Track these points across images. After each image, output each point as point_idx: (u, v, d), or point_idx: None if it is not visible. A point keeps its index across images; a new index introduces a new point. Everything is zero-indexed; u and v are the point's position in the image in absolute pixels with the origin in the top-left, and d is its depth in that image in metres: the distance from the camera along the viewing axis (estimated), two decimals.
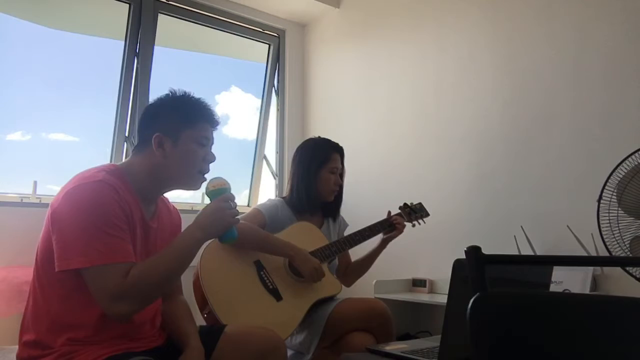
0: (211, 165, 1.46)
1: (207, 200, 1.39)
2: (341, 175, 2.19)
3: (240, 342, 1.49)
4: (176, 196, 2.90)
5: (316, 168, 2.12)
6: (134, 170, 1.38)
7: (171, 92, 1.44)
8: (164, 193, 1.48)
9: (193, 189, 1.44)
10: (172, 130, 1.37)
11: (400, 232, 2.16)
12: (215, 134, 1.47)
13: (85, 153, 2.78)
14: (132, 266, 1.24)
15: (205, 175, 1.44)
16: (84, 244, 1.21)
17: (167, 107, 1.42)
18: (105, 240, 1.21)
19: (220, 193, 1.37)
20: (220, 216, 1.33)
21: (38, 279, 1.31)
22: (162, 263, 1.27)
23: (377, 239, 2.18)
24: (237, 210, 1.37)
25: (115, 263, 1.21)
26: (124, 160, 1.46)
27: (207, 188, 1.39)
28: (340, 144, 2.21)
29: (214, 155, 1.45)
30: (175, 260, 1.29)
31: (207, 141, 1.43)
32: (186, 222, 1.37)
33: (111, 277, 1.20)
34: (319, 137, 2.24)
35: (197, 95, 1.46)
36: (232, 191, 1.40)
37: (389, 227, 2.15)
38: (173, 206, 1.58)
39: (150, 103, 1.45)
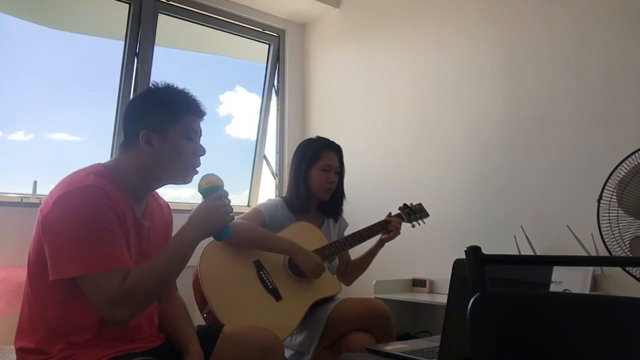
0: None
1: (200, 197, 1.37)
2: (340, 174, 2.18)
3: (238, 342, 1.49)
4: (176, 197, 2.90)
5: (307, 166, 2.11)
6: (122, 168, 1.34)
7: (153, 86, 1.41)
8: (154, 189, 1.45)
9: (183, 183, 1.42)
10: (158, 126, 1.34)
11: (397, 234, 2.16)
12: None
13: (88, 153, 2.78)
14: (129, 271, 1.22)
15: (197, 169, 1.42)
16: (78, 251, 1.18)
17: (151, 101, 1.39)
18: (100, 247, 1.19)
19: (213, 190, 1.35)
20: (215, 214, 1.31)
21: (32, 286, 1.29)
22: (160, 267, 1.26)
23: (376, 237, 2.18)
24: (232, 207, 1.35)
25: (112, 270, 1.20)
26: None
27: (199, 185, 1.37)
28: (341, 144, 2.20)
29: (203, 148, 1.43)
30: (173, 263, 1.28)
31: (196, 135, 1.40)
32: (183, 222, 1.36)
33: (108, 284, 1.19)
34: (317, 136, 2.24)
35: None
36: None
37: (387, 228, 2.15)
38: (164, 201, 1.56)
39: (132, 98, 1.41)
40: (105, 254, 1.20)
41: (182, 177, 1.40)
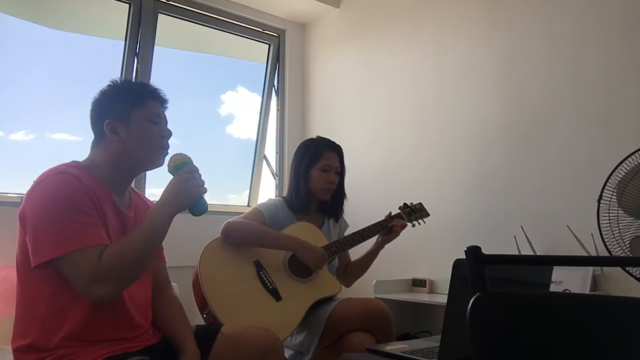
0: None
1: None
2: (341, 174, 2.18)
3: (237, 342, 1.49)
4: None
5: (307, 166, 2.11)
6: (96, 163, 1.38)
7: (112, 82, 1.44)
8: (132, 179, 1.47)
9: (157, 166, 1.44)
10: (121, 113, 1.37)
11: (397, 235, 2.15)
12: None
13: (88, 153, 2.79)
14: (105, 248, 1.24)
15: (167, 151, 1.44)
16: (53, 234, 1.21)
17: (111, 94, 1.42)
18: (74, 227, 1.22)
19: (182, 167, 1.36)
20: (185, 187, 1.32)
21: (21, 284, 1.31)
22: (136, 241, 1.27)
23: (375, 238, 2.18)
24: (203, 181, 1.37)
25: (87, 247, 1.21)
26: None
27: (168, 166, 1.39)
28: (341, 144, 2.20)
29: (169, 131, 1.45)
30: (148, 237, 1.29)
31: (159, 118, 1.42)
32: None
33: (85, 261, 1.21)
34: (317, 136, 2.24)
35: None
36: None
37: (388, 229, 2.15)
38: (151, 201, 1.57)
39: (94, 98, 1.44)
40: (79, 232, 1.22)
41: (152, 159, 1.42)
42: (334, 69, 3.41)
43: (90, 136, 1.44)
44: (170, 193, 1.33)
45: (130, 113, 1.37)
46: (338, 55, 3.40)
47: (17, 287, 1.32)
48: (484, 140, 2.57)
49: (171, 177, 1.38)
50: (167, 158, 1.43)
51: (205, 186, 1.37)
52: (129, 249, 1.25)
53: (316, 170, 2.11)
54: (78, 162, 1.38)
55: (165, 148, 1.43)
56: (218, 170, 3.27)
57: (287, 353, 1.96)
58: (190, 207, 1.35)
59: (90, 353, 1.25)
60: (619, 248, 1.78)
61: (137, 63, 2.90)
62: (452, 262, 1.07)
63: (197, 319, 1.92)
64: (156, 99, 1.44)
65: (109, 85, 1.44)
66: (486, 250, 0.73)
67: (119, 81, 1.45)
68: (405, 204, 2.25)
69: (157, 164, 1.43)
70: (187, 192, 1.33)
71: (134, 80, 1.47)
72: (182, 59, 3.37)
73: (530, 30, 2.43)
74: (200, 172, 1.38)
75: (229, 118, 3.49)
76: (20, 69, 2.69)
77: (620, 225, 1.78)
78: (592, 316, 0.74)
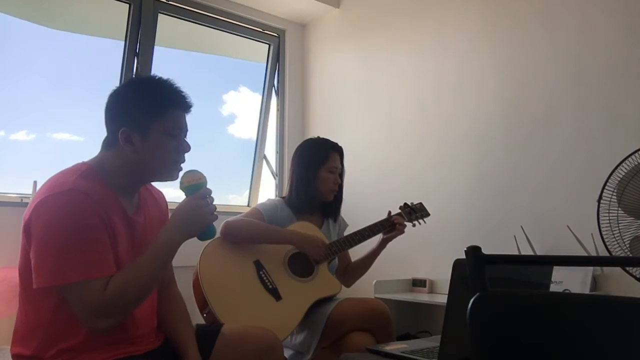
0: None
1: (182, 195, 1.32)
2: (341, 176, 2.19)
3: (237, 342, 1.49)
4: (176, 197, 2.91)
5: (315, 167, 2.12)
6: (106, 167, 1.29)
7: (135, 79, 1.33)
8: (142, 186, 1.40)
9: (169, 180, 1.37)
10: (139, 123, 1.27)
11: (401, 232, 2.15)
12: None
13: (89, 153, 2.78)
14: (110, 279, 1.19)
15: (182, 165, 1.36)
16: (58, 260, 1.15)
17: (132, 96, 1.31)
18: (81, 256, 1.16)
19: (197, 189, 1.29)
20: (198, 214, 1.26)
21: (24, 292, 1.26)
22: (142, 272, 1.22)
23: (376, 239, 2.18)
24: (215, 206, 1.30)
25: (92, 279, 1.16)
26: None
27: (181, 183, 1.32)
28: (340, 144, 2.21)
29: (188, 144, 1.35)
30: (155, 268, 1.24)
31: (180, 131, 1.33)
32: None
33: (89, 293, 1.16)
34: (318, 137, 2.25)
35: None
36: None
37: (390, 227, 2.15)
38: (158, 192, 1.51)
39: (113, 92, 1.31)
40: (86, 262, 1.16)
41: (164, 174, 1.34)
42: (334, 68, 3.41)
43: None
44: (181, 219, 1.26)
45: (149, 124, 1.28)
46: (338, 55, 3.40)
47: (20, 293, 1.28)
48: (485, 140, 2.57)
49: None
50: (182, 172, 1.35)
51: (215, 213, 1.30)
52: (135, 282, 1.21)
53: (324, 172, 2.12)
54: (87, 164, 1.30)
55: (179, 163, 1.35)
56: (219, 170, 3.27)
57: (287, 353, 1.96)
58: (199, 233, 1.30)
59: (91, 358, 1.23)
60: (619, 248, 1.79)
61: (137, 63, 2.89)
62: (452, 262, 1.07)
63: (197, 319, 1.92)
64: (180, 108, 1.33)
65: (131, 82, 1.32)
66: (486, 250, 0.73)
67: (141, 79, 1.31)
68: (405, 204, 2.26)
69: (169, 178, 1.36)
70: (199, 221, 1.27)
71: (158, 80, 1.34)
72: (182, 59, 3.37)
73: (531, 29, 2.43)
74: (212, 195, 1.31)
75: (231, 118, 3.49)
76: (20, 69, 2.69)
77: (620, 225, 1.79)
78: (592, 316, 0.74)
